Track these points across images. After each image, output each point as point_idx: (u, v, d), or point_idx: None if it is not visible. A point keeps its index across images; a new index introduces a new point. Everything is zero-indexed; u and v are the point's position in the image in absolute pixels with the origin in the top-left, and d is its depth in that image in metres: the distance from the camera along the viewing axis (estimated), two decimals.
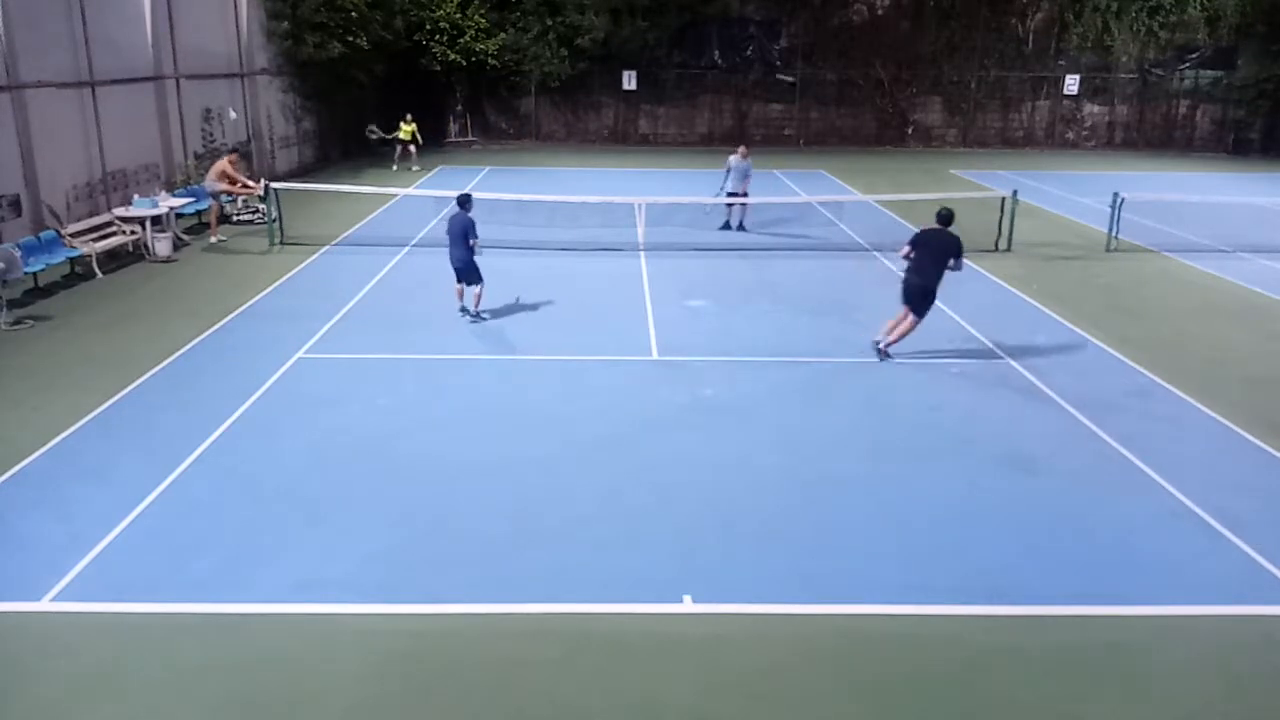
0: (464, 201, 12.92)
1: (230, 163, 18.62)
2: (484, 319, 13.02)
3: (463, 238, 12.59)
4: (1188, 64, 36.86)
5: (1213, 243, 19.07)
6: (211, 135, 22.51)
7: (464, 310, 13.11)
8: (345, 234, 18.90)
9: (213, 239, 18.16)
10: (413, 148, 28.32)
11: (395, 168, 28.13)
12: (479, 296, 13.02)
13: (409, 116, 28.42)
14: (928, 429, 9.71)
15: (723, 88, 37.03)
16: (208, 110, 22.55)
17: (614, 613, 6.54)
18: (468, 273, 12.90)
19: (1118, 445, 9.32)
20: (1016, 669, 6.05)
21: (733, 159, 19.28)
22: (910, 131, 37.63)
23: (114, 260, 16.09)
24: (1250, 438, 9.59)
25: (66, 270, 15.20)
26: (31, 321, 12.90)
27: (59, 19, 16.98)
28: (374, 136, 29.06)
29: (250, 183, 19.04)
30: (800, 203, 22.44)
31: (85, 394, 10.21)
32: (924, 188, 25.06)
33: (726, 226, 19.85)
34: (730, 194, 19.41)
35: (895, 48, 36.45)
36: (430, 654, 6.11)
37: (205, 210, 18.97)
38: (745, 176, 19.38)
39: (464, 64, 34.00)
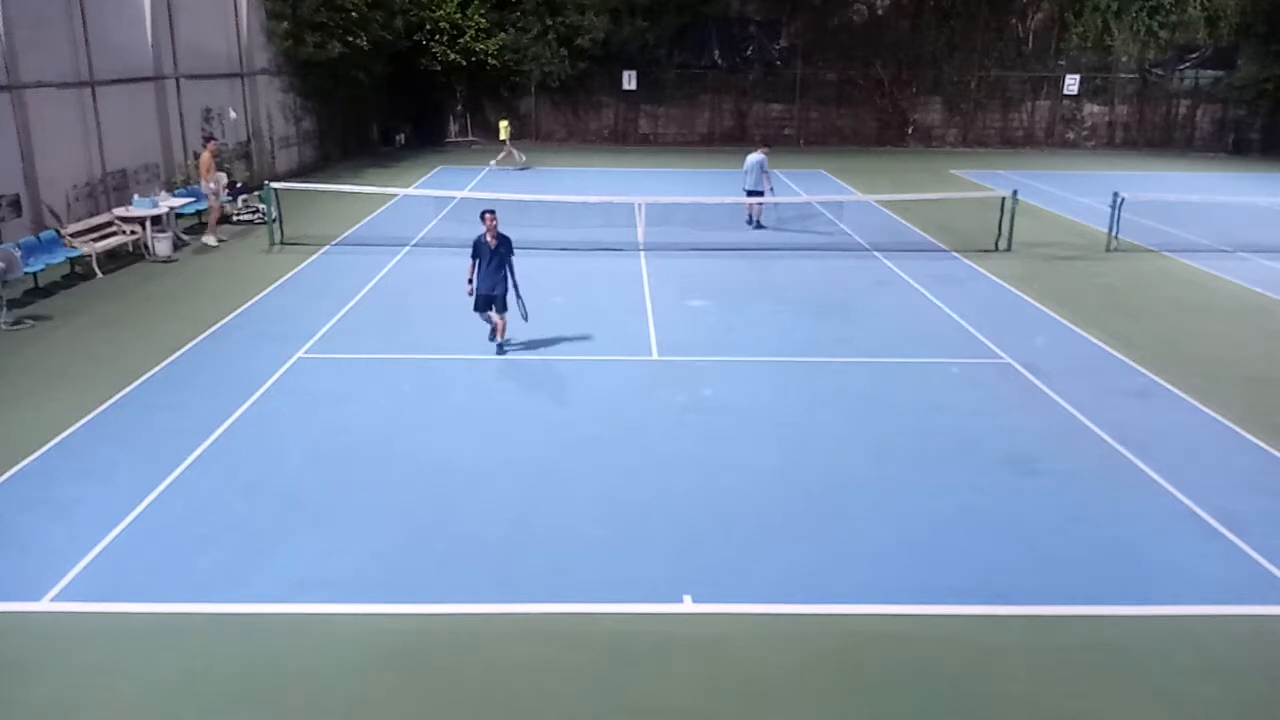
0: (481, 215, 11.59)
1: (211, 153, 18.37)
2: (504, 351, 11.79)
3: None
4: (1188, 64, 36.85)
5: (1213, 243, 19.07)
6: (211, 135, 22.47)
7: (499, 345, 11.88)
8: (345, 234, 18.90)
9: (210, 240, 17.95)
10: (511, 147, 29.47)
11: (493, 165, 29.02)
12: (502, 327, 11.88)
13: (508, 117, 30.79)
14: (928, 429, 9.70)
15: (723, 88, 37.04)
16: (208, 110, 22.56)
17: (614, 613, 6.54)
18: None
19: (1118, 445, 9.32)
20: (1016, 669, 6.05)
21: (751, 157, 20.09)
22: (910, 131, 37.62)
23: (114, 260, 16.09)
24: (1250, 438, 9.59)
25: (66, 270, 15.20)
26: (31, 321, 12.90)
27: (59, 19, 16.98)
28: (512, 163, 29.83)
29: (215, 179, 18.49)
30: (800, 203, 22.45)
31: (85, 394, 10.21)
32: (924, 188, 25.10)
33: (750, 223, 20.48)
34: (751, 192, 20.07)
35: (895, 48, 36.45)
36: (430, 654, 6.11)
37: (206, 211, 18.88)
38: (754, 172, 20.02)
39: (464, 64, 34.01)
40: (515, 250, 11.57)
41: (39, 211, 16.34)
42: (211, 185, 18.31)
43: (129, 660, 6.00)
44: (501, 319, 11.69)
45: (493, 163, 29.32)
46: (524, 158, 29.68)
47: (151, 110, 20.16)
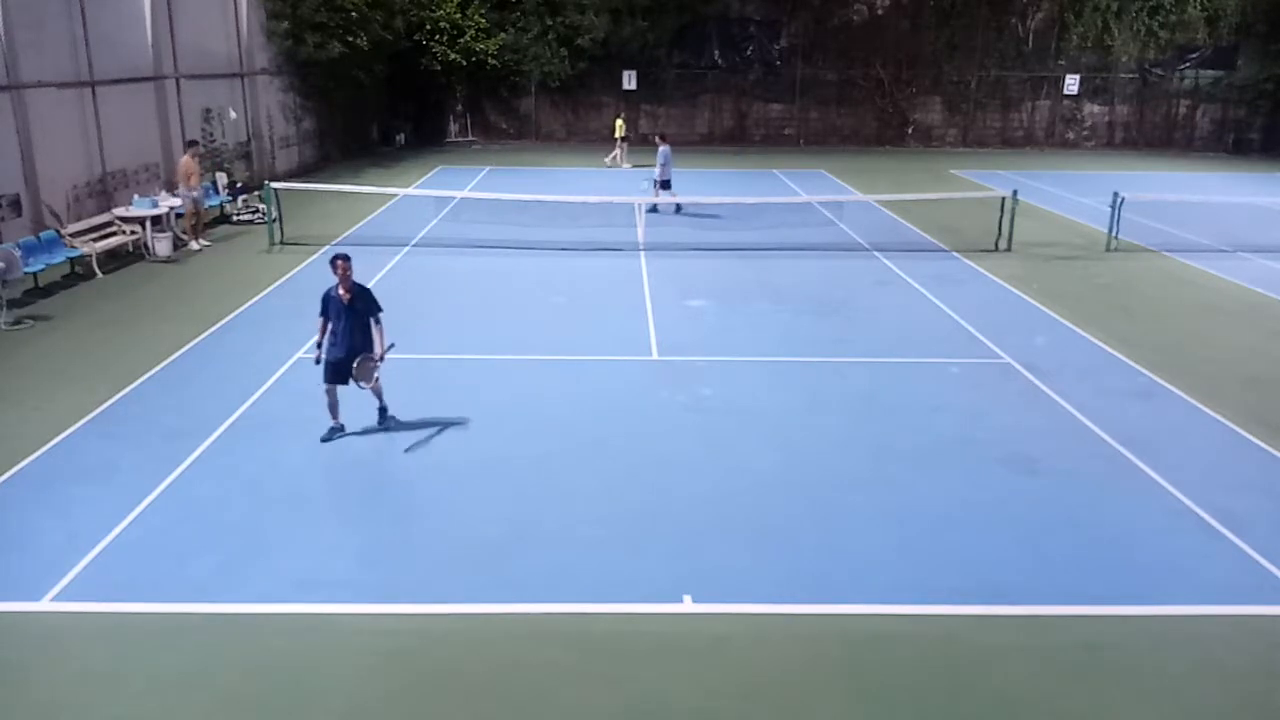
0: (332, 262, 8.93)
1: (192, 156, 17.68)
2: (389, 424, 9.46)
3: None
4: (1188, 64, 36.86)
5: (1213, 243, 19.07)
6: (211, 135, 22.49)
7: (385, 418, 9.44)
8: (345, 234, 18.88)
9: (194, 245, 17.49)
10: (622, 145, 29.88)
11: (625, 166, 29.41)
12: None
13: (624, 115, 31.30)
14: (928, 429, 9.70)
15: (723, 88, 37.05)
16: (208, 110, 22.54)
17: (614, 613, 6.54)
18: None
19: (1118, 445, 9.32)
20: (1016, 669, 6.05)
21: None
22: (910, 131, 37.62)
23: (114, 260, 16.09)
24: (1250, 438, 9.59)
25: (66, 270, 15.20)
26: (31, 321, 12.90)
27: (59, 19, 16.98)
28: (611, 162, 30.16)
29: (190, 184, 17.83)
30: (800, 203, 22.44)
31: (85, 394, 10.21)
32: (924, 188, 25.09)
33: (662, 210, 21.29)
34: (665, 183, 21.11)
35: (895, 48, 36.46)
36: (430, 654, 6.11)
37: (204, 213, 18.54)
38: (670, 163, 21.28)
39: (464, 64, 34.01)
40: (381, 303, 9.04)
41: (39, 211, 16.33)
42: (181, 192, 17.59)
43: (129, 660, 6.00)
44: (372, 377, 8.99)
45: (626, 165, 29.48)
46: (612, 159, 30.06)
47: (151, 110, 20.14)
